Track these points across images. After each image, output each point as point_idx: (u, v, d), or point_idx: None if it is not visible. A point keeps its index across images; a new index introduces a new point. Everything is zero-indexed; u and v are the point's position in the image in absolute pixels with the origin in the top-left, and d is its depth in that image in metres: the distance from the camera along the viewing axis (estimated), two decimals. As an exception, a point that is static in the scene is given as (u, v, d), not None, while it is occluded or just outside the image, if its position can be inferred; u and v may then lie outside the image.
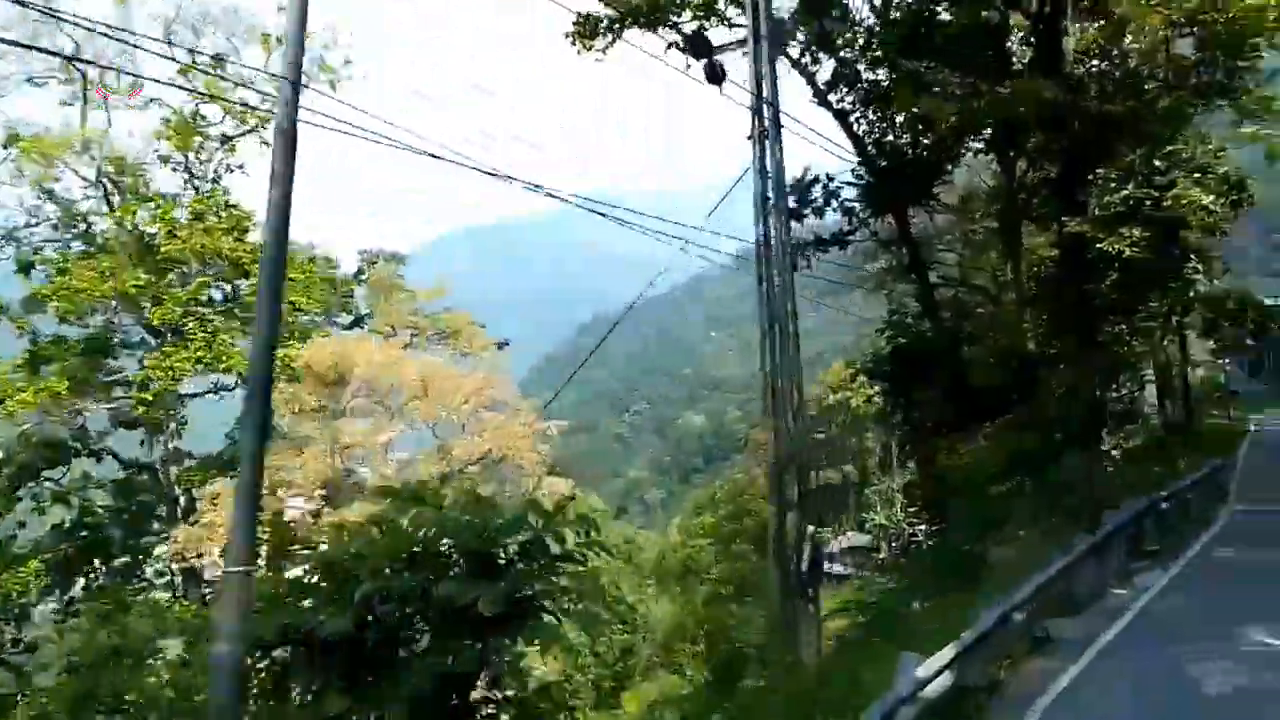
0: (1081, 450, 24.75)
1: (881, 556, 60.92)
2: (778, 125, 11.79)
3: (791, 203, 29.63)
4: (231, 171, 26.83)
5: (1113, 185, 21.36)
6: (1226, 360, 55.69)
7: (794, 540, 11.91)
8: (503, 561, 9.69)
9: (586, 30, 27.12)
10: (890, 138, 27.64)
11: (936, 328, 28.94)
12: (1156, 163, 21.62)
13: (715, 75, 12.67)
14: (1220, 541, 17.44)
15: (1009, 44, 26.68)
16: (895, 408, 35.51)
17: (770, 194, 11.71)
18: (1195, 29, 23.75)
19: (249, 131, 24.59)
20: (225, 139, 25.89)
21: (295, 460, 22.49)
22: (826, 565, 66.25)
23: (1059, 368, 26.58)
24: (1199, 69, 23.96)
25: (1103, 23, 23.86)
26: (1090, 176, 22.03)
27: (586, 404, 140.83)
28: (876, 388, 39.47)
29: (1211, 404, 42.72)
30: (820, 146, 26.63)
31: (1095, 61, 22.65)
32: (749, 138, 11.81)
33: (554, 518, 11.16)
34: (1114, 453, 34.45)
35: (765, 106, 11.72)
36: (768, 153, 11.91)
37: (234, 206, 25.97)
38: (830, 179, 28.92)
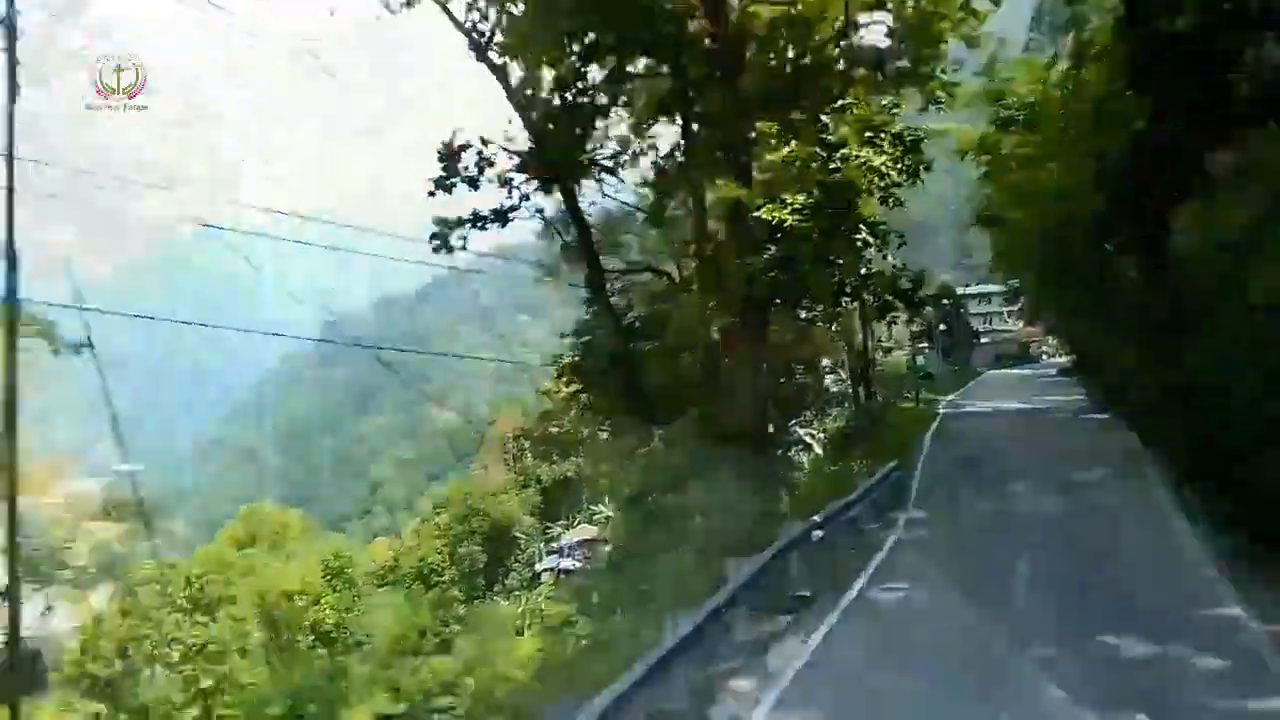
0: (757, 454, 20.97)
1: (608, 549, 57.12)
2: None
3: (440, 172, 24.28)
4: None
5: (772, 143, 17.32)
6: (924, 344, 56.64)
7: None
8: None
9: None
10: (545, 95, 22.55)
11: (610, 319, 24.41)
12: (825, 118, 17.82)
13: None
14: (888, 572, 13.46)
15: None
16: (588, 406, 31.28)
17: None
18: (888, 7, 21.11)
19: None
20: None
21: None
22: (558, 561, 61.48)
23: (739, 358, 22.75)
24: (889, 52, 21.55)
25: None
26: (752, 135, 17.96)
27: (330, 407, 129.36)
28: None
29: (907, 386, 41.81)
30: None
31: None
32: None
33: None
34: (821, 435, 31.90)
35: None
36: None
37: None
38: (485, 144, 23.55)
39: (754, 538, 14.88)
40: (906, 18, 21.32)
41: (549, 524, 64.74)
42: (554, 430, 69.01)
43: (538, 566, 60.71)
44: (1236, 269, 15.27)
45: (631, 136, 24.66)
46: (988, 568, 12.95)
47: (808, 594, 12.48)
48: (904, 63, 22.05)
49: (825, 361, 33.17)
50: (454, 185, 23.41)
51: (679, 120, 23.02)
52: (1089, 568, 11.96)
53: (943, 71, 21.97)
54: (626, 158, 25.03)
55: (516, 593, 59.42)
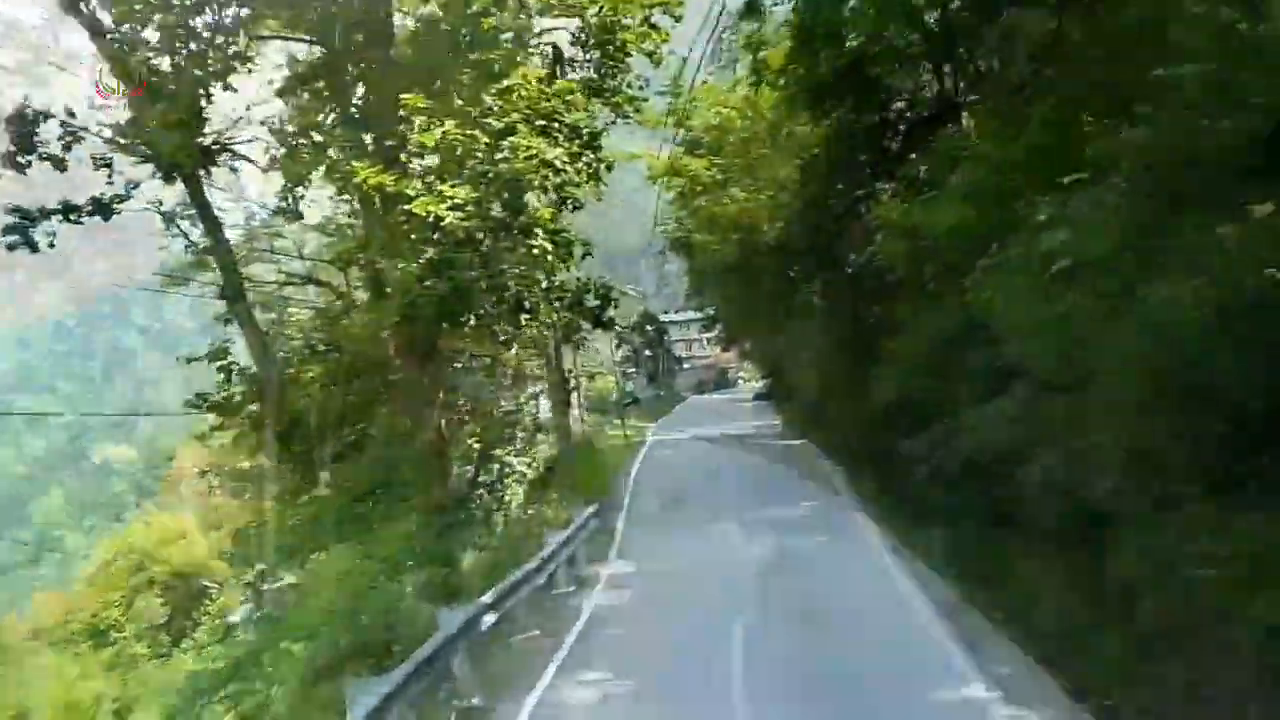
0: (440, 499, 16.97)
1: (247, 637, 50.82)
2: None
3: (8, 146, 17.91)
4: None
5: (424, 120, 13.59)
6: (631, 369, 55.47)
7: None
8: None
9: None
10: (148, 55, 16.99)
11: (257, 339, 19.23)
12: (489, 99, 14.31)
13: None
14: (583, 655, 9.97)
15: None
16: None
17: None
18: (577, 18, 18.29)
19: None
20: None
21: None
22: (253, 611, 53.19)
23: (415, 385, 18.62)
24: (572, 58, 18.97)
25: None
26: (401, 113, 14.08)
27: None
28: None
29: (615, 412, 39.63)
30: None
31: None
32: None
33: None
34: (535, 465, 28.22)
35: None
36: None
37: None
38: (72, 114, 17.52)
39: (416, 621, 11.05)
40: (589, 22, 18.56)
41: (243, 570, 56.34)
42: (243, 466, 60.08)
43: (230, 618, 52.50)
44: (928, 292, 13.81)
45: (284, 123, 19.65)
46: (698, 639, 10.10)
47: (478, 703, 8.81)
48: (590, 74, 19.38)
49: (537, 386, 29.89)
50: (28, 164, 17.14)
51: (337, 105, 18.47)
52: (808, 633, 9.61)
53: (628, 86, 19.49)
54: (282, 150, 19.93)
55: (208, 648, 51.22)
